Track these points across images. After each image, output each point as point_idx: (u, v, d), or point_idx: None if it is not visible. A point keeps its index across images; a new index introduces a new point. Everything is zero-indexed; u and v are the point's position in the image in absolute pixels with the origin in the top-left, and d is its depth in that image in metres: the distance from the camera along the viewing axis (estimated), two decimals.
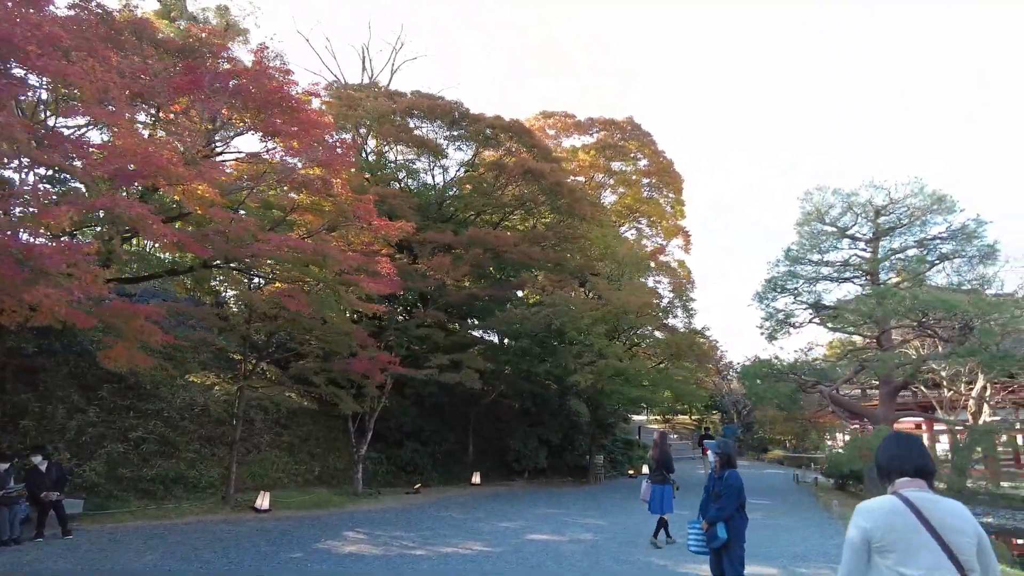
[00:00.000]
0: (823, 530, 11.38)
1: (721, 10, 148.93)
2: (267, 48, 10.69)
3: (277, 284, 12.14)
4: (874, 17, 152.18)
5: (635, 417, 46.08)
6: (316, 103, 13.02)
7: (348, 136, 18.91)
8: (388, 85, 29.82)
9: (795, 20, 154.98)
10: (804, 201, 16.18)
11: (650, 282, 23.67)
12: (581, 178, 33.01)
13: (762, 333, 15.37)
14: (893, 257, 15.77)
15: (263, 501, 11.95)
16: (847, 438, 28.65)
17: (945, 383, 19.58)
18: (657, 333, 20.15)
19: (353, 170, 11.39)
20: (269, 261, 9.90)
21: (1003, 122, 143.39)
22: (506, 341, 18.02)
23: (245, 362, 12.91)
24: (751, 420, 30.63)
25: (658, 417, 43.23)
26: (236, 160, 9.98)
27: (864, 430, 19.60)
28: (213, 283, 13.25)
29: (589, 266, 17.78)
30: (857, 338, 16.34)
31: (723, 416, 33.84)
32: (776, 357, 14.52)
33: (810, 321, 15.11)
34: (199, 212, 7.51)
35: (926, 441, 25.98)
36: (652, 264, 20.66)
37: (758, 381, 14.26)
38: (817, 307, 15.23)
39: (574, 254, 18.17)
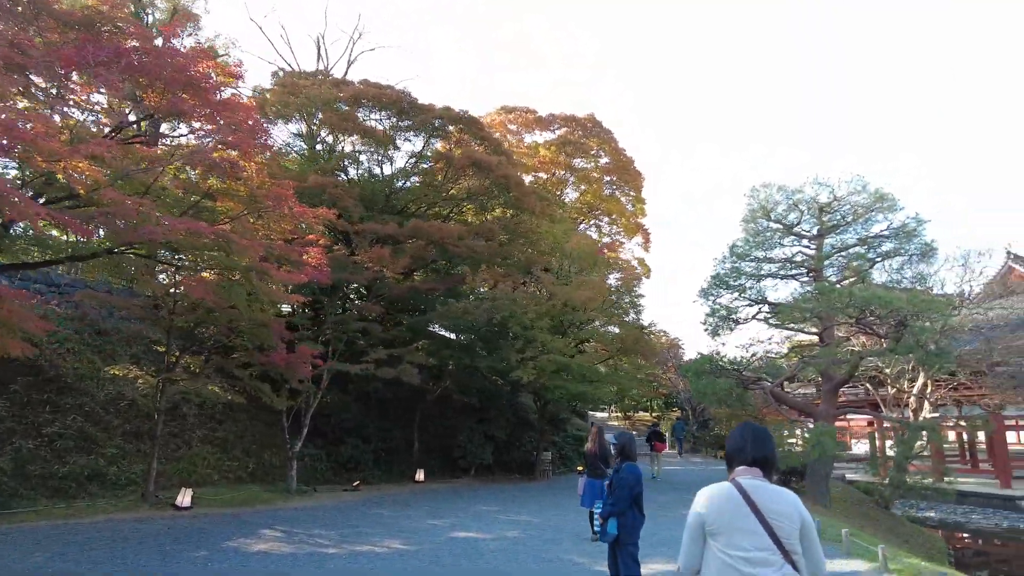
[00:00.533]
0: None
1: (693, 3, 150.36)
2: (189, 27, 10.30)
3: (206, 274, 11.74)
4: (850, 8, 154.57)
5: (597, 414, 46.21)
6: (248, 88, 12.66)
7: (290, 124, 18.53)
8: (345, 75, 29.33)
9: (769, 11, 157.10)
10: (750, 198, 16.17)
11: (611, 279, 23.66)
12: (543, 174, 32.95)
13: (706, 329, 15.33)
14: (836, 255, 15.83)
15: (184, 498, 11.50)
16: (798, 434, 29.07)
17: (890, 381, 19.82)
18: (612, 328, 20.03)
19: (270, 155, 10.98)
20: (184, 249, 9.47)
21: (980, 115, 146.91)
22: (455, 336, 17.76)
23: (168, 354, 12.41)
24: (707, 417, 30.74)
25: (619, 413, 43.35)
26: (143, 142, 9.53)
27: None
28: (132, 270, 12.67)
29: (537, 261, 17.57)
30: (802, 335, 16.41)
31: (683, 413, 33.92)
32: (717, 353, 14.47)
33: (753, 318, 15.09)
34: (82, 192, 7.10)
35: (877, 438, 26.45)
36: (608, 259, 20.52)
37: (699, 377, 14.17)
38: (761, 303, 15.22)
39: (523, 249, 17.94)
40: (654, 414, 40.55)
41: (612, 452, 11.93)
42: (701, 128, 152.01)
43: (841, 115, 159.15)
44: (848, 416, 28.73)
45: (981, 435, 29.44)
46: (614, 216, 33.89)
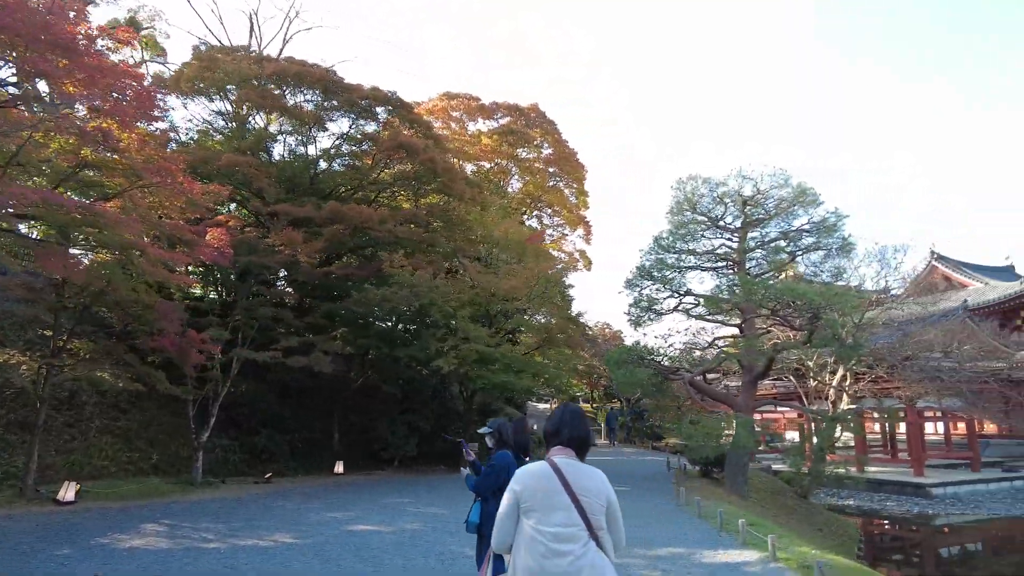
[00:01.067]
0: (658, 517, 11.26)
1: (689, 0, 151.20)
2: None
3: (100, 255, 11.00)
4: (847, 7, 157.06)
5: (539, 405, 46.29)
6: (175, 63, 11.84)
7: (215, 102, 17.67)
8: (280, 54, 28.31)
9: (767, 8, 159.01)
10: (676, 190, 16.19)
11: (551, 270, 23.46)
12: (486, 163, 32.61)
13: (629, 320, 15.33)
14: (759, 248, 16.00)
15: (67, 492, 10.78)
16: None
17: (812, 374, 20.28)
18: (541, 319, 19.88)
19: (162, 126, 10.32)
20: (49, 222, 8.75)
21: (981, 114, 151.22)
22: (376, 324, 17.27)
23: (55, 338, 11.59)
24: (642, 408, 31.05)
25: (557, 404, 43.46)
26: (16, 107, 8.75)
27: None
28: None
29: (465, 249, 17.25)
30: (725, 328, 16.56)
31: (621, 403, 34.20)
32: (637, 343, 14.46)
33: (675, 309, 15.12)
34: None
35: (802, 429, 27.13)
36: (539, 248, 20.29)
37: (619, 367, 14.13)
38: (684, 295, 15.26)
39: (452, 236, 17.57)
40: (594, 405, 40.88)
41: (530, 442, 11.98)
42: (696, 126, 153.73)
43: (837, 112, 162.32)
44: (778, 408, 29.51)
45: (903, 427, 30.82)
46: (556, 208, 33.82)
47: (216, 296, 14.36)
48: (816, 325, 13.05)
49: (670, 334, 15.77)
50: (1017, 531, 18.95)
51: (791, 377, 20.41)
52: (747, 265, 15.85)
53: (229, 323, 13.71)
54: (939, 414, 28.49)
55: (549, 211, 33.98)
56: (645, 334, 15.81)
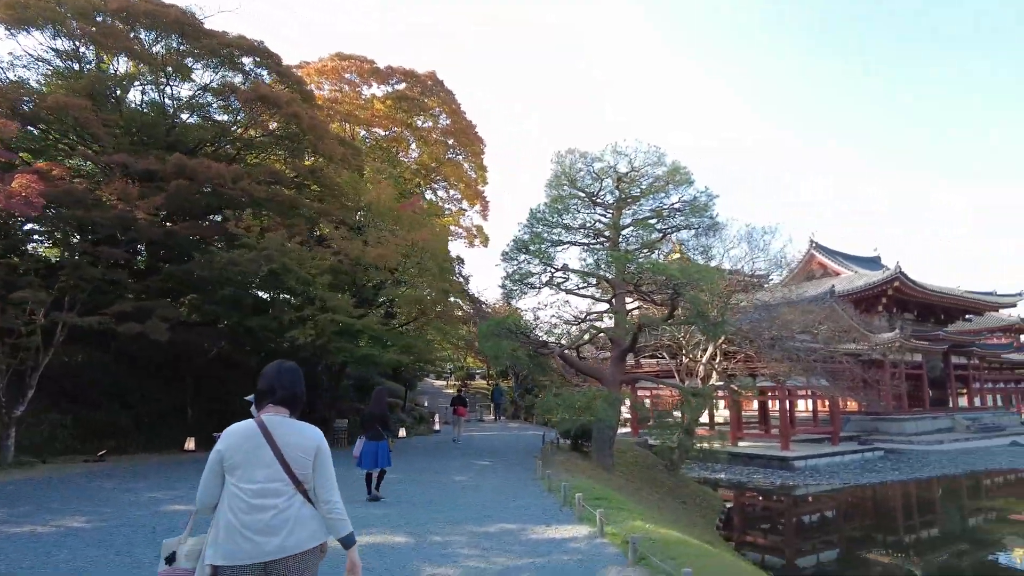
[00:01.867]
0: (507, 492, 11.02)
1: None
2: None
3: None
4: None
5: (435, 382, 45.82)
6: None
7: (58, 40, 15.69)
8: None
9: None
10: (555, 163, 15.95)
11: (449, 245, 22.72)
12: (380, 131, 31.38)
13: (503, 293, 15.02)
14: (633, 226, 16.04)
15: None
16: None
17: (685, 351, 20.88)
18: (422, 292, 19.20)
19: None
20: None
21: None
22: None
23: None
24: (531, 384, 31.20)
25: (456, 381, 43.27)
26: None
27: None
28: None
29: (333, 213, 16.31)
30: (598, 303, 16.61)
31: (513, 379, 34.24)
32: (508, 317, 14.18)
33: (548, 284, 14.94)
34: None
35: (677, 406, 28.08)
36: (416, 215, 19.49)
37: (487, 340, 13.80)
38: (559, 270, 15.10)
39: (326, 201, 16.55)
40: (489, 382, 40.89)
41: (389, 414, 11.43)
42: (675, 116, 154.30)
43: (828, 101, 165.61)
44: (659, 384, 30.46)
45: (794, 404, 32.73)
46: (454, 181, 33.12)
47: (48, 255, 12.75)
48: (677, 302, 13.21)
49: (539, 308, 15.56)
50: (866, 497, 20.45)
51: (665, 354, 20.93)
52: (621, 242, 15.88)
53: (54, 286, 12.24)
54: (807, 392, 30.42)
55: (446, 184, 33.23)
56: (518, 307, 15.53)
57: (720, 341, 19.10)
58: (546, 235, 15.33)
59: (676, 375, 21.04)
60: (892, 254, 68.21)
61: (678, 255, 19.00)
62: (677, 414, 29.39)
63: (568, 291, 15.04)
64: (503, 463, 14.69)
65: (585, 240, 15.82)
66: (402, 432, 20.97)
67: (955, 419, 38.17)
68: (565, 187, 15.81)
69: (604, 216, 15.95)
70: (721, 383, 19.20)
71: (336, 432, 18.03)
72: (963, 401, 43.98)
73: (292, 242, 13.59)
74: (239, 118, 16.85)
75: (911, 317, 40.20)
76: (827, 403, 30.82)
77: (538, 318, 14.97)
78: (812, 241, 44.24)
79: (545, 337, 14.76)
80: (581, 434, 16.18)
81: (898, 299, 38.09)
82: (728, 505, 19.80)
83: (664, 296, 13.76)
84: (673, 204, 15.55)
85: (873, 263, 46.37)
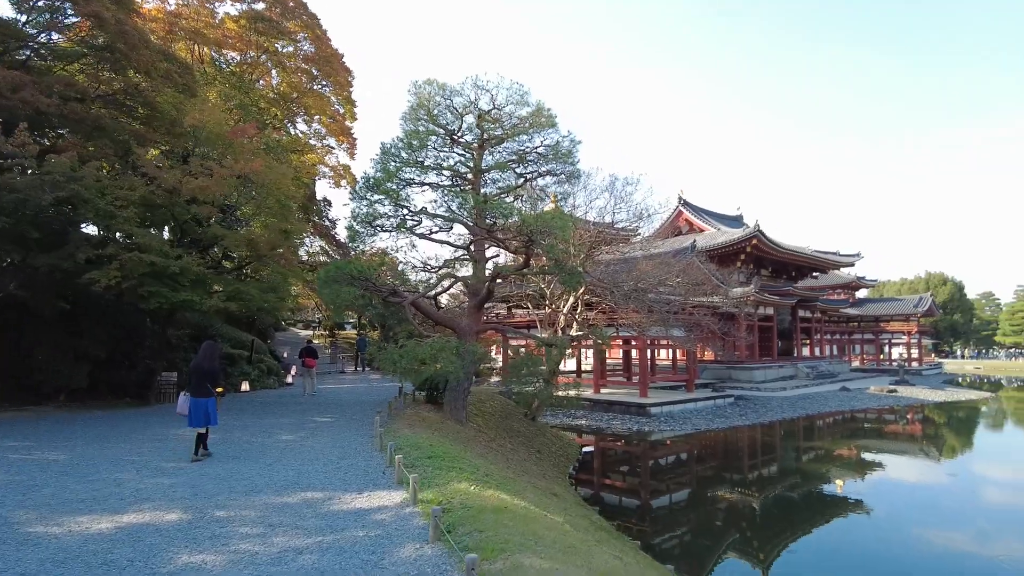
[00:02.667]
0: (333, 452, 10.03)
1: None
2: None
3: None
4: None
5: (301, 332, 43.55)
6: None
7: None
8: None
9: None
10: (413, 95, 14.57)
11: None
12: (234, 54, 28.21)
13: (347, 235, 13.68)
14: (494, 169, 15.12)
15: None
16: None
17: (548, 302, 20.61)
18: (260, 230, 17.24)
19: None
20: None
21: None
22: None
23: None
24: (397, 334, 30.08)
25: (323, 331, 41.34)
26: None
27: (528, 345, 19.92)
28: None
29: (148, 137, 14.05)
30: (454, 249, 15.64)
31: (383, 329, 32.92)
32: (350, 261, 12.92)
33: (399, 227, 13.73)
34: None
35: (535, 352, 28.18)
36: (311, 160, 17.50)
37: (327, 285, 12.50)
38: (411, 212, 13.90)
39: (149, 120, 14.19)
40: (359, 333, 39.33)
41: (218, 369, 10.04)
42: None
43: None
44: (529, 334, 30.45)
45: (655, 354, 33.87)
46: (314, 113, 30.58)
47: None
48: (532, 250, 12.55)
49: (387, 252, 14.34)
50: (715, 441, 21.57)
51: (529, 304, 20.56)
52: (482, 186, 14.95)
53: None
54: (668, 342, 31.59)
55: (307, 118, 30.65)
56: (364, 251, 14.17)
57: (581, 292, 18.92)
58: (400, 173, 14.05)
59: (539, 325, 20.76)
60: (754, 213, 72.52)
61: (553, 206, 18.47)
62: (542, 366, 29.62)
63: (422, 236, 13.94)
64: (346, 419, 13.66)
65: (443, 181, 14.71)
66: (245, 386, 19.31)
67: (798, 367, 41.52)
68: (423, 122, 14.53)
69: (464, 157, 14.89)
70: (581, 333, 19.10)
71: (163, 386, 16.14)
72: (805, 351, 48.06)
73: (92, 167, 11.35)
74: (38, 19, 13.98)
75: (766, 273, 42.87)
76: (684, 353, 32.16)
77: (383, 263, 13.74)
78: (680, 198, 45.71)
79: (397, 284, 13.64)
80: (435, 386, 15.43)
81: (756, 256, 40.32)
82: (586, 449, 20.17)
83: (519, 243, 13.06)
84: (536, 148, 14.76)
85: (736, 221, 48.89)
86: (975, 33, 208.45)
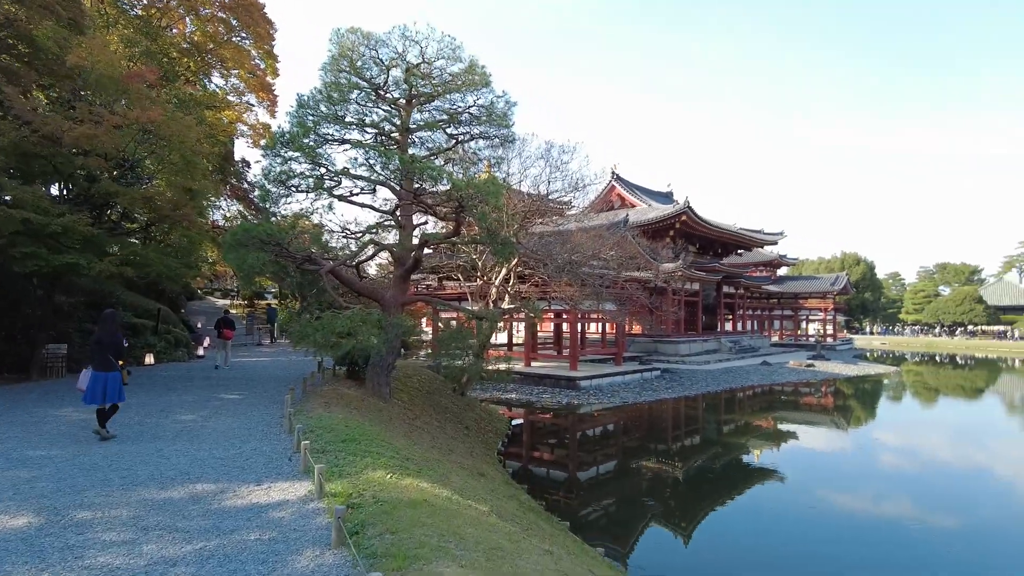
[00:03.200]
0: (237, 435, 9.05)
1: None
2: None
3: None
4: None
5: (219, 301, 41.22)
6: None
7: None
8: None
9: None
10: (333, 44, 13.32)
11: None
12: None
13: (258, 194, 12.45)
14: (423, 129, 14.11)
15: None
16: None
17: (480, 274, 19.87)
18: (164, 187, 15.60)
19: None
20: None
21: None
22: None
23: None
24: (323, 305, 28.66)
25: (242, 301, 39.23)
26: None
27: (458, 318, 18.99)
28: None
29: (26, 76, 12.23)
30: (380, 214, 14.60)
31: (303, 300, 31.34)
32: (259, 224, 11.72)
33: (317, 188, 12.56)
34: None
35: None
36: (226, 117, 15.75)
37: (233, 250, 11.28)
38: (329, 171, 12.72)
39: (30, 59, 12.33)
40: (281, 303, 37.49)
41: (123, 341, 8.82)
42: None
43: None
44: (450, 306, 29.67)
45: (586, 327, 33.77)
46: (229, 65, 28.33)
47: None
48: (462, 217, 11.73)
49: (301, 215, 13.12)
50: (642, 413, 21.77)
51: (460, 276, 19.76)
52: (410, 147, 13.93)
53: None
54: (598, 316, 31.54)
55: (223, 71, 28.37)
56: (277, 214, 12.90)
57: (514, 264, 18.27)
58: (318, 128, 12.85)
59: (470, 298, 20.01)
60: (683, 190, 73.74)
61: (487, 174, 17.60)
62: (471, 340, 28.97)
63: (342, 198, 12.81)
64: (256, 396, 12.57)
65: (367, 139, 13.59)
66: (149, 359, 17.73)
67: (721, 342, 42.61)
68: (345, 74, 13.31)
69: (391, 113, 13.80)
70: (513, 306, 18.49)
71: (50, 359, 14.49)
72: (728, 326, 49.44)
73: None
74: None
75: (694, 249, 43.51)
76: (614, 326, 32.28)
77: (295, 227, 12.53)
78: (613, 173, 45.65)
79: (314, 251, 12.52)
80: (356, 361, 14.50)
81: (685, 232, 40.81)
82: (516, 422, 19.85)
83: (449, 210, 12.20)
84: (469, 108, 13.83)
85: (666, 198, 49.41)
86: (890, 22, 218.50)
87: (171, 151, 13.30)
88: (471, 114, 13.92)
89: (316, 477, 5.94)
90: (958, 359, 54.62)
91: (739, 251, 52.58)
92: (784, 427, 20.50)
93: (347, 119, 13.14)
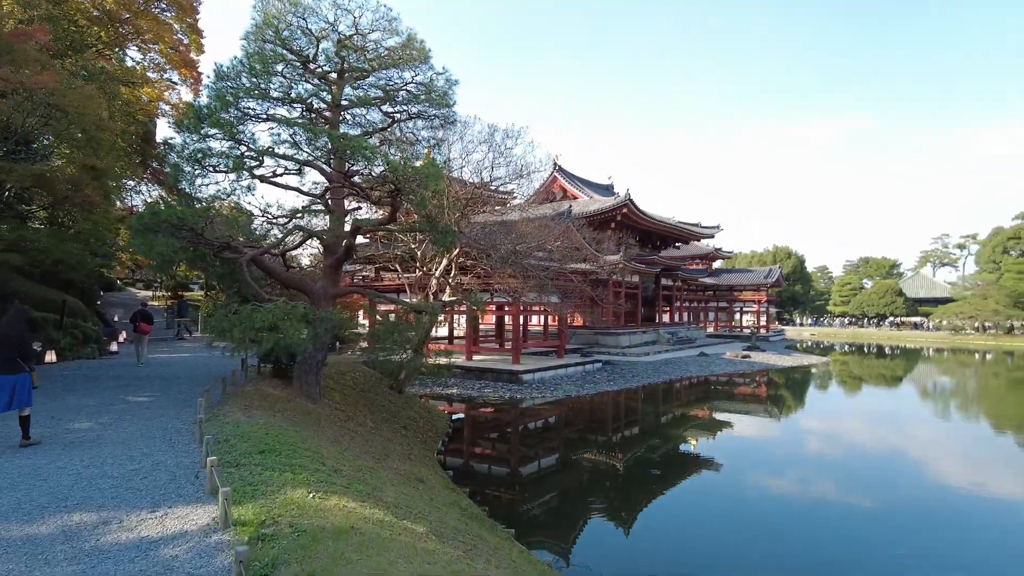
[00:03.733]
0: (154, 443, 7.97)
1: None
2: None
3: None
4: None
5: (140, 292, 38.68)
6: None
7: None
8: None
9: None
10: (257, 11, 12.11)
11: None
12: None
13: (169, 173, 11.17)
14: (358, 106, 13.07)
15: None
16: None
17: (419, 264, 18.92)
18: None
19: None
20: None
21: None
22: None
23: None
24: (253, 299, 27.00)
25: (166, 292, 36.88)
26: None
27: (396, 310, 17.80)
28: None
29: None
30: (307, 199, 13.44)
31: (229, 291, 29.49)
32: (170, 208, 10.47)
33: (237, 168, 11.33)
34: None
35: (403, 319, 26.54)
36: (144, 94, 14.06)
37: (140, 235, 10.03)
38: (251, 150, 11.51)
39: None
40: (208, 293, 35.38)
41: (29, 340, 7.59)
42: None
43: None
44: (398, 298, 28.55)
45: (528, 320, 33.16)
46: (155, 42, 26.27)
47: None
48: (399, 202, 10.81)
49: (215, 197, 11.85)
50: (584, 406, 21.53)
51: (399, 267, 18.76)
52: (341, 123, 12.86)
53: None
54: (541, 308, 31.05)
55: (141, 43, 26.24)
56: (194, 196, 11.65)
57: (455, 254, 17.42)
58: (240, 103, 11.63)
59: (409, 290, 19.03)
60: (623, 183, 74.54)
61: (427, 158, 16.61)
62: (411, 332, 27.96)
63: (265, 179, 11.64)
64: (169, 398, 11.31)
65: (294, 118, 12.43)
66: (51, 356, 16.00)
67: (660, 333, 42.94)
68: (271, 45, 12.13)
69: (320, 88, 12.69)
70: (454, 298, 17.65)
71: None
72: (666, 318, 50.00)
73: None
74: None
75: (634, 242, 43.62)
76: (557, 319, 31.91)
77: (210, 209, 11.27)
78: (555, 164, 45.21)
79: (233, 238, 11.32)
80: (281, 358, 13.39)
81: (626, 224, 40.80)
82: (456, 416, 19.21)
83: (384, 194, 11.25)
84: (406, 85, 12.86)
85: (607, 190, 49.41)
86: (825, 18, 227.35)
87: (70, 124, 11.79)
88: (409, 92, 12.97)
89: (221, 504, 4.99)
90: (883, 349, 57.18)
91: (677, 244, 53.21)
92: (721, 416, 20.97)
93: (272, 93, 11.97)
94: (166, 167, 31.57)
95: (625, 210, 38.81)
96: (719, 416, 20.95)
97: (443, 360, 17.52)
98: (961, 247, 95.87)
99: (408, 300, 17.17)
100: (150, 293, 37.90)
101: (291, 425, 9.84)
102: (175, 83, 29.52)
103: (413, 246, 18.17)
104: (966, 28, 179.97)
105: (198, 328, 26.85)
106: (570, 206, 34.49)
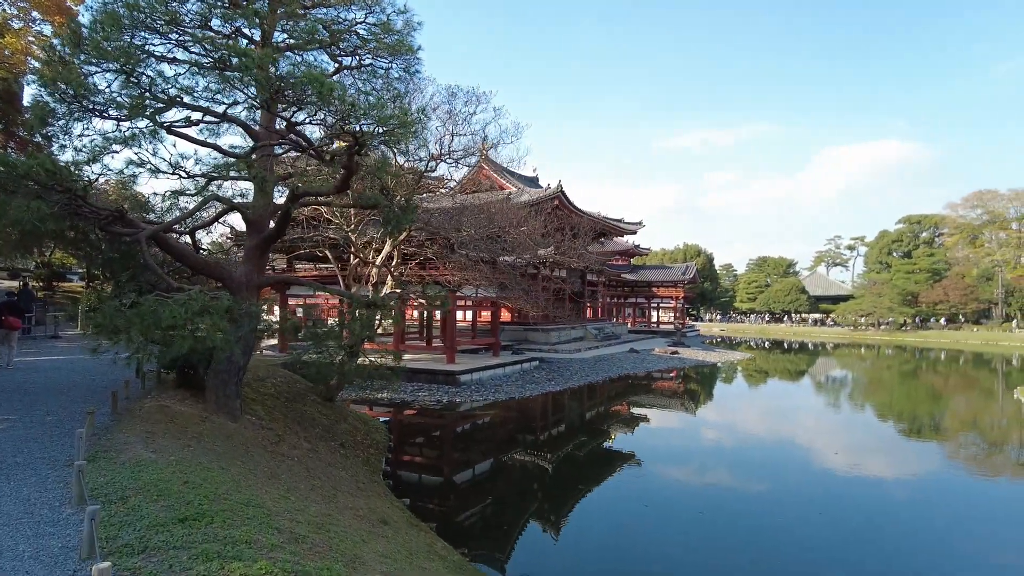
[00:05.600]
0: (6, 515, 5.18)
1: None
2: None
3: None
4: None
5: (6, 282, 33.23)
6: None
7: None
8: None
9: None
10: None
11: None
12: None
13: (32, 115, 8.15)
14: (293, 48, 10.38)
15: None
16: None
17: (355, 250, 16.24)
18: None
19: None
20: None
21: None
22: None
23: None
24: (148, 287, 23.07)
25: (39, 282, 31.62)
26: None
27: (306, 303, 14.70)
28: None
29: None
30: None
31: (116, 279, 25.17)
32: (35, 157, 7.49)
33: (132, 111, 8.44)
34: None
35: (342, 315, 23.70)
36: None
37: None
38: (151, 93, 8.63)
39: None
40: (91, 283, 30.49)
41: None
42: None
43: None
44: (326, 292, 25.45)
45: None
46: None
47: None
48: (354, 163, 8.31)
49: (102, 150, 8.65)
50: (526, 408, 20.31)
51: (328, 254, 16.00)
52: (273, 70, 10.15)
53: None
54: (485, 302, 29.02)
55: None
56: (64, 146, 8.69)
57: (400, 239, 14.93)
58: (138, 32, 8.71)
59: (341, 281, 16.31)
60: (547, 176, 73.57)
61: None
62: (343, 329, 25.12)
63: (172, 131, 8.79)
64: (35, 421, 8.25)
65: (212, 58, 9.59)
66: None
67: (587, 329, 41.92)
68: None
69: (249, 24, 9.93)
70: (399, 290, 15.16)
71: None
72: (589, 314, 49.22)
73: None
74: None
75: (562, 236, 42.29)
76: (490, 314, 30.04)
77: (95, 168, 8.24)
78: (482, 154, 43.09)
79: (125, 207, 8.43)
80: (190, 363, 10.60)
81: (555, 217, 39.36)
82: (386, 420, 17.24)
83: (336, 144, 8.75)
84: (357, 24, 10.33)
85: (533, 182, 47.86)
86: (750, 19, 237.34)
87: None
88: (358, 34, 10.43)
89: None
90: (795, 344, 59.31)
91: (601, 240, 52.54)
92: (654, 414, 20.85)
93: (184, 27, 9.12)
94: (36, 136, 26.79)
95: (556, 202, 37.43)
96: (653, 413, 20.86)
97: (389, 361, 15.06)
98: (851, 248, 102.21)
99: (351, 293, 14.52)
100: (18, 283, 32.34)
101: (214, 459, 7.21)
102: (47, 36, 24.93)
103: (347, 229, 15.45)
104: (872, 35, 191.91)
105: (76, 325, 22.56)
106: (509, 194, 32.56)
